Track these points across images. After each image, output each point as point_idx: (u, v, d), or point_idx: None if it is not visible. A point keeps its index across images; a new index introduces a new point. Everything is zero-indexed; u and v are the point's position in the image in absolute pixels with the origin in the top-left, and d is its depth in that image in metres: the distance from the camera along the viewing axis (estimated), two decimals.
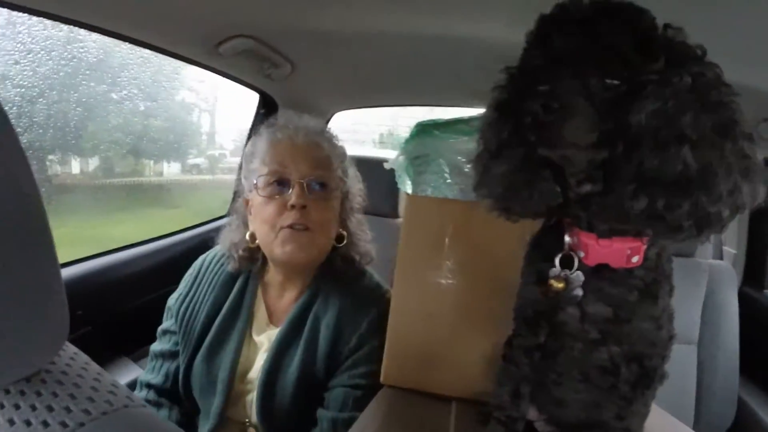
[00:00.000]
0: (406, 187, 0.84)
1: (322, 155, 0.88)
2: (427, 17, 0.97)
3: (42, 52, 1.30)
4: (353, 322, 0.86)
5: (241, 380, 0.88)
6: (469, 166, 0.77)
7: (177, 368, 0.94)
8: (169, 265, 1.41)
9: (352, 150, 1.01)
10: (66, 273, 1.15)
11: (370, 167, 1.02)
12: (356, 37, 1.11)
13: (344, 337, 0.85)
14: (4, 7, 0.81)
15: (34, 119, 1.40)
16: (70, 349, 0.45)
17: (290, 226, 0.83)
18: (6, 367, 0.36)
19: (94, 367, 0.44)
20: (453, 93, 1.61)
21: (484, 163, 0.52)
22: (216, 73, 1.34)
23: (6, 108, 0.34)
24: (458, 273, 0.77)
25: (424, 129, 0.82)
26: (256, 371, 0.88)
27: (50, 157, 1.73)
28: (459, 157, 0.78)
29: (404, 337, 0.79)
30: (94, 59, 1.55)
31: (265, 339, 0.89)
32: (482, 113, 0.53)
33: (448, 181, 0.79)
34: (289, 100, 1.60)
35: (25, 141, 1.37)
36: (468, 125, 0.78)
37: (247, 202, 0.92)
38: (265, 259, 0.93)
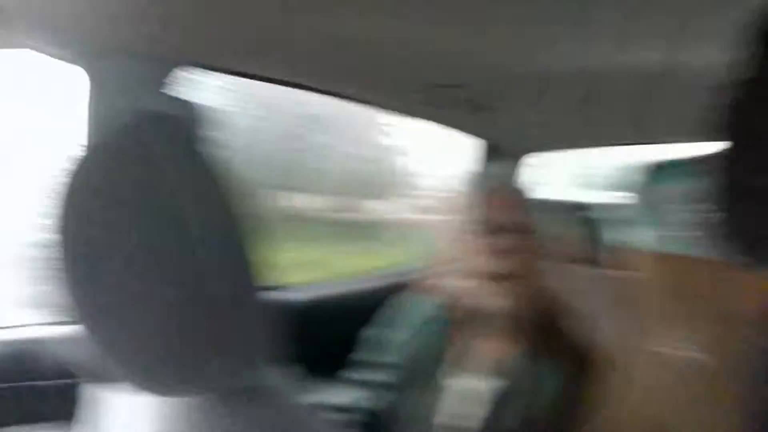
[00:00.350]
0: (629, 238, 0.76)
1: (513, 200, 0.88)
2: (646, 50, 0.88)
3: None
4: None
5: None
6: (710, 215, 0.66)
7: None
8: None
9: (541, 192, 0.98)
10: (291, 296, 1.31)
11: (567, 211, 0.96)
12: (562, 77, 1.07)
13: None
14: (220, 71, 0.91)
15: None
16: (280, 368, 0.47)
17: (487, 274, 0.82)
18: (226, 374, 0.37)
19: (298, 389, 0.46)
20: (677, 128, 1.40)
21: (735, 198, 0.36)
22: (416, 120, 1.42)
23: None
24: (698, 345, 0.66)
25: (656, 172, 0.73)
26: None
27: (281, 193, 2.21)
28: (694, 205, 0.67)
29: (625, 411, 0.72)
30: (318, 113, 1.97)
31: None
32: None
33: (684, 233, 0.68)
34: (488, 143, 1.61)
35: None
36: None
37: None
38: None
